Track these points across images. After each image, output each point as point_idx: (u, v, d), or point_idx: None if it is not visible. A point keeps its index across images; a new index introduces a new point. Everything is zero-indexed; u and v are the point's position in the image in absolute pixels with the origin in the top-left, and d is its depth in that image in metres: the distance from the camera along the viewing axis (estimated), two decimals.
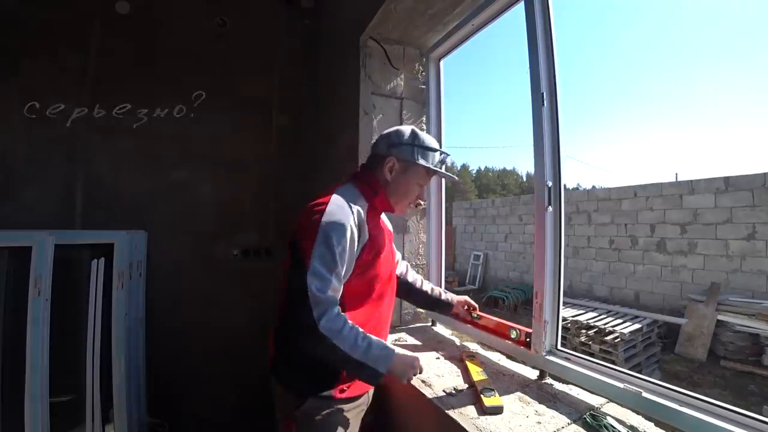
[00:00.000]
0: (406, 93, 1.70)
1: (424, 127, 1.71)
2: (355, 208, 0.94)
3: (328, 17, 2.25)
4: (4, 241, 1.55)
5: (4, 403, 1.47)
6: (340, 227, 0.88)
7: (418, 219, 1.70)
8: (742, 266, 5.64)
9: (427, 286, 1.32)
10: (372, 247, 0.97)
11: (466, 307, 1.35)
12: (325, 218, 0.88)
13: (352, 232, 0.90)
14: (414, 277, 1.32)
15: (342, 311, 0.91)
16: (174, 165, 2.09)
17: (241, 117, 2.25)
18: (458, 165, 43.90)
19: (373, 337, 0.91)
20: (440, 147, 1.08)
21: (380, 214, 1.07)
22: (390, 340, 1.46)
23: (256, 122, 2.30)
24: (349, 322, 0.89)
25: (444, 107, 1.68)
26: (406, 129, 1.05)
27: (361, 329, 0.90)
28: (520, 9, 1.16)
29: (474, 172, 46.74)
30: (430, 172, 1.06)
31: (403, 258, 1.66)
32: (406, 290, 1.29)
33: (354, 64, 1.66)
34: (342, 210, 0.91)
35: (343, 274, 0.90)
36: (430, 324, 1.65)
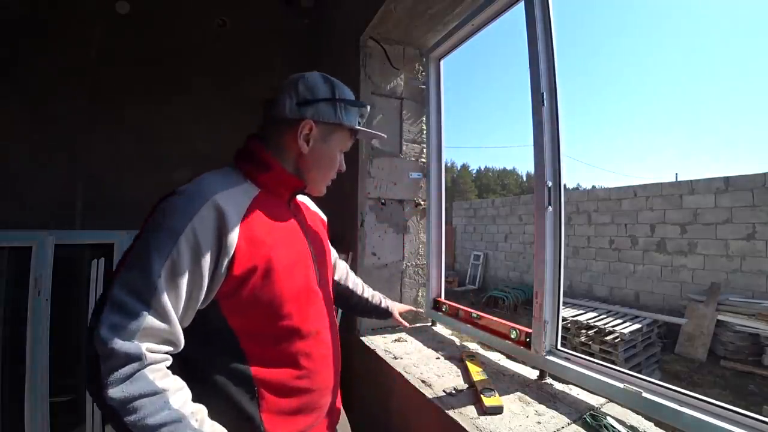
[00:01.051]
0: (406, 93, 1.70)
1: (425, 128, 1.71)
2: (216, 201, 0.61)
3: (328, 17, 2.25)
4: (4, 241, 1.55)
5: (4, 403, 1.47)
6: (167, 231, 0.57)
7: (418, 219, 1.70)
8: (742, 266, 5.64)
9: (368, 293, 1.13)
10: (253, 258, 0.63)
11: (411, 316, 1.23)
12: (154, 217, 0.60)
13: (192, 240, 0.57)
14: (354, 282, 1.11)
15: (245, 364, 0.65)
16: (174, 165, 2.08)
17: (241, 117, 2.25)
18: (458, 165, 43.89)
19: (208, 427, 0.57)
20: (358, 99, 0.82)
21: (286, 197, 0.77)
22: (390, 340, 1.46)
23: (256, 122, 2.27)
24: (169, 382, 0.55)
25: (444, 107, 1.68)
26: (317, 76, 0.75)
27: (189, 403, 0.57)
28: (520, 9, 1.16)
29: (474, 172, 46.76)
30: (353, 134, 0.80)
31: (403, 258, 1.66)
32: (345, 299, 1.09)
33: (354, 64, 1.66)
34: (185, 204, 0.60)
35: (177, 308, 0.57)
36: (430, 324, 1.65)
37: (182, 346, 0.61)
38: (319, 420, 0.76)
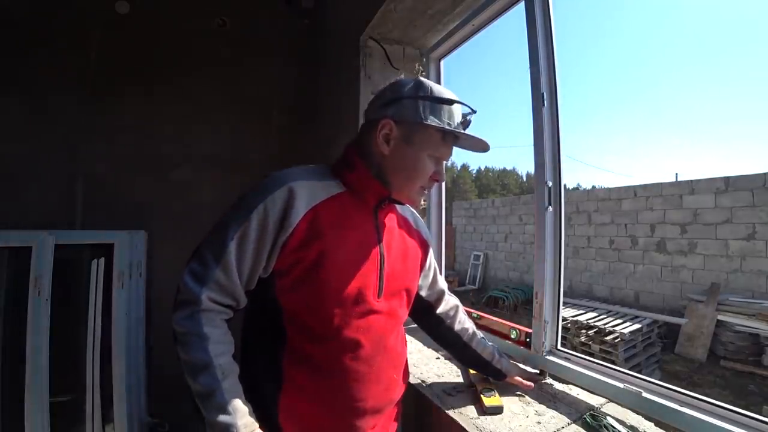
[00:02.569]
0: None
1: None
2: (292, 187, 0.67)
3: (328, 17, 2.24)
4: (4, 241, 1.55)
5: (4, 402, 1.47)
6: (246, 206, 0.67)
7: None
8: (742, 266, 5.64)
9: (477, 343, 0.98)
10: (307, 244, 0.67)
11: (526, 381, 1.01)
12: (243, 194, 0.70)
13: (262, 216, 0.65)
14: (463, 325, 0.98)
15: (281, 346, 0.69)
16: (174, 165, 2.08)
17: (241, 117, 2.25)
18: (458, 165, 43.95)
19: (229, 383, 0.63)
20: (458, 99, 0.73)
21: (371, 203, 0.75)
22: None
23: (256, 122, 2.29)
24: (215, 333, 0.65)
25: None
26: (409, 79, 0.73)
27: (224, 357, 0.64)
28: (520, 9, 1.16)
29: (474, 172, 46.79)
30: (448, 137, 0.73)
31: None
32: (447, 342, 1.00)
33: (354, 64, 1.65)
34: (267, 185, 0.68)
35: (241, 270, 0.66)
36: None
37: (242, 303, 0.71)
38: None
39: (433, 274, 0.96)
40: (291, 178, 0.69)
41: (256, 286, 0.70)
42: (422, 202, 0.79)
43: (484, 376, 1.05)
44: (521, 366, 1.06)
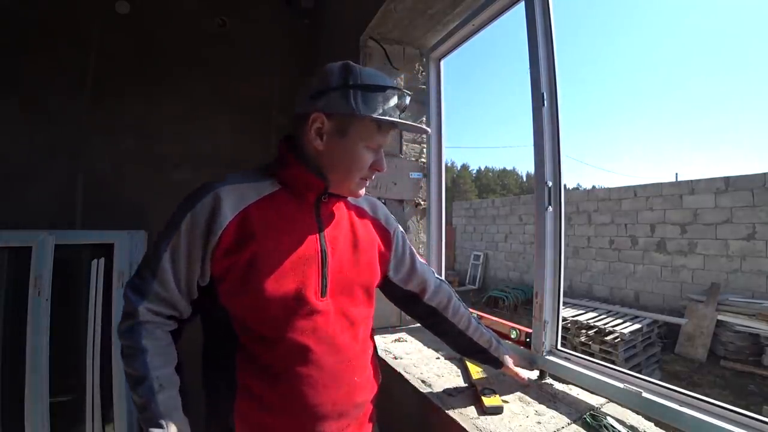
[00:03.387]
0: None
1: None
2: (218, 192, 0.66)
3: (328, 17, 2.24)
4: (4, 241, 1.55)
5: (4, 403, 1.47)
6: (176, 218, 0.67)
7: (418, 219, 1.70)
8: (742, 266, 5.64)
9: (473, 331, 0.95)
10: (238, 246, 0.66)
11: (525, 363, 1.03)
12: (177, 206, 0.70)
13: (189, 225, 0.65)
14: (458, 314, 0.94)
15: (233, 355, 0.68)
16: (174, 165, 2.09)
17: (241, 117, 2.25)
18: (458, 165, 43.94)
19: (165, 396, 0.64)
20: (391, 83, 0.70)
21: (310, 198, 0.72)
22: (390, 340, 1.46)
23: (256, 122, 2.30)
24: (154, 345, 0.66)
25: (444, 107, 1.68)
26: (336, 65, 0.69)
27: (162, 370, 0.65)
28: (520, 9, 1.16)
29: (474, 172, 46.79)
30: (384, 125, 0.69)
31: None
32: (442, 331, 0.97)
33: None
34: (194, 195, 0.68)
35: (178, 280, 0.66)
36: None
37: (186, 314, 0.71)
38: None
39: (410, 262, 0.90)
40: (218, 184, 0.68)
41: (202, 295, 0.70)
42: (362, 192, 0.76)
43: (485, 377, 1.05)
44: (519, 360, 1.05)
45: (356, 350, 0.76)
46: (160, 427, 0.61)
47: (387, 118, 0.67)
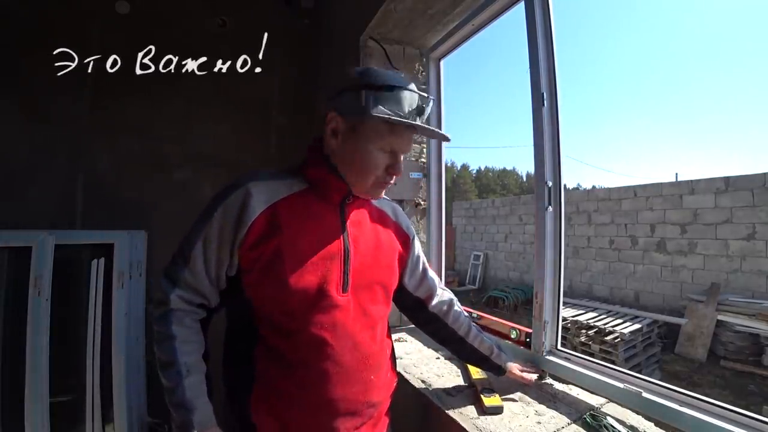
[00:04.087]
0: None
1: None
2: (248, 188, 0.69)
3: (328, 17, 2.25)
4: (4, 241, 1.55)
5: (4, 403, 1.47)
6: (209, 210, 0.70)
7: (418, 219, 1.70)
8: (742, 266, 5.64)
9: (474, 338, 0.95)
10: (265, 239, 0.68)
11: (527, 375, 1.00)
12: (210, 199, 0.73)
13: (221, 217, 0.68)
14: (458, 320, 0.95)
15: (255, 336, 0.71)
16: (174, 165, 2.09)
17: (241, 117, 2.25)
18: (458, 165, 43.94)
19: (191, 381, 0.67)
20: (406, 84, 0.69)
21: (335, 199, 0.74)
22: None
23: (256, 122, 2.30)
24: (183, 332, 0.69)
25: (444, 107, 1.68)
26: (357, 68, 0.71)
27: (190, 356, 0.69)
28: (520, 9, 1.16)
29: (474, 172, 46.77)
30: (398, 128, 0.68)
31: None
32: (442, 338, 0.97)
33: (354, 64, 1.65)
34: (227, 189, 0.71)
35: (208, 270, 0.70)
36: None
37: (215, 303, 0.74)
38: None
39: (422, 269, 0.93)
40: (250, 179, 0.71)
41: (229, 286, 0.73)
42: (382, 195, 0.76)
43: (485, 377, 1.05)
44: (523, 365, 1.04)
45: (374, 349, 0.76)
46: (186, 409, 0.65)
47: (397, 118, 0.66)
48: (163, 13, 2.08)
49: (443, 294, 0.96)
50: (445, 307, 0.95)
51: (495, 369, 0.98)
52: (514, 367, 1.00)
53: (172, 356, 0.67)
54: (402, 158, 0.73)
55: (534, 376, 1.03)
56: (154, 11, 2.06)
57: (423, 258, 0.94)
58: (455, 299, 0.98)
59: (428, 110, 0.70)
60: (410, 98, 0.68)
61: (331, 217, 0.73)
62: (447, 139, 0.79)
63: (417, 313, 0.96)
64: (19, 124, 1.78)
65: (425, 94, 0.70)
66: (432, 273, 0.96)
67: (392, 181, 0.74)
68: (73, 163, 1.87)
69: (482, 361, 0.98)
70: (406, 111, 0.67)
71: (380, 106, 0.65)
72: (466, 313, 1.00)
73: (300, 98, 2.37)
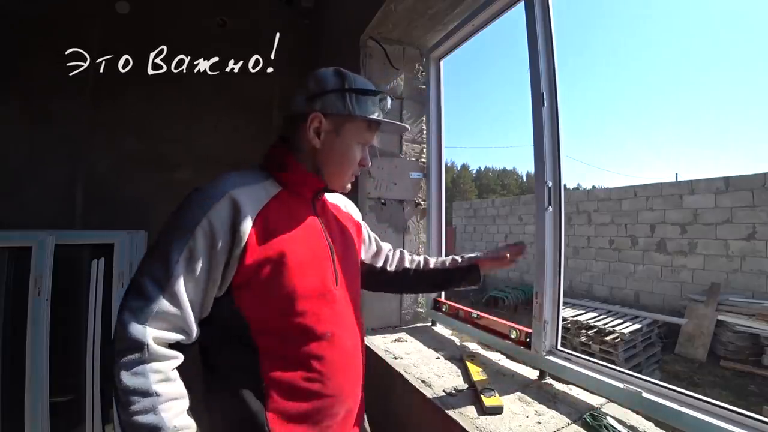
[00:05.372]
0: (406, 93, 1.70)
1: (425, 128, 1.71)
2: (232, 195, 0.64)
3: (328, 17, 2.25)
4: (4, 241, 1.55)
5: (4, 403, 1.47)
6: (186, 223, 0.62)
7: (418, 219, 1.70)
8: (742, 266, 5.64)
9: (435, 261, 1.02)
10: (265, 250, 0.65)
11: (507, 254, 0.99)
12: (177, 211, 0.65)
13: (208, 230, 0.61)
14: (412, 259, 1.02)
15: (255, 358, 0.66)
16: (174, 165, 2.09)
17: (241, 117, 2.26)
18: (458, 165, 43.93)
19: None
20: (377, 89, 0.78)
21: (309, 196, 0.77)
22: (389, 340, 1.46)
23: (256, 122, 2.30)
24: (168, 388, 0.58)
25: (444, 107, 1.68)
26: (328, 70, 0.75)
27: (179, 419, 0.58)
28: (520, 9, 1.16)
29: (474, 172, 46.77)
30: (373, 125, 0.77)
31: None
32: (408, 282, 1.01)
33: (354, 64, 1.65)
34: (203, 198, 0.64)
35: (193, 294, 0.61)
36: (430, 324, 1.65)
37: (194, 336, 0.64)
38: (331, 430, 0.73)
39: (375, 244, 1.01)
40: (227, 185, 0.66)
41: (213, 309, 0.66)
42: (349, 187, 0.83)
43: (485, 377, 1.05)
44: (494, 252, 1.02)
45: (361, 333, 0.83)
46: None
47: (376, 118, 0.76)
48: (163, 13, 2.08)
49: (392, 249, 1.04)
50: (397, 256, 1.02)
51: (469, 272, 0.99)
52: (489, 256, 1.01)
53: (159, 422, 0.55)
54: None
55: (509, 252, 0.98)
56: (154, 11, 2.06)
57: (372, 233, 1.03)
58: (403, 249, 1.06)
59: (389, 106, 0.79)
60: (380, 99, 0.77)
61: (310, 217, 0.77)
62: (405, 129, 0.86)
63: (381, 279, 1.01)
64: (19, 124, 1.78)
65: (389, 95, 0.80)
66: (380, 241, 1.03)
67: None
68: (73, 163, 1.87)
69: (453, 275, 1.00)
70: (380, 109, 0.77)
71: (361, 107, 0.73)
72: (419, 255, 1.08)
73: None
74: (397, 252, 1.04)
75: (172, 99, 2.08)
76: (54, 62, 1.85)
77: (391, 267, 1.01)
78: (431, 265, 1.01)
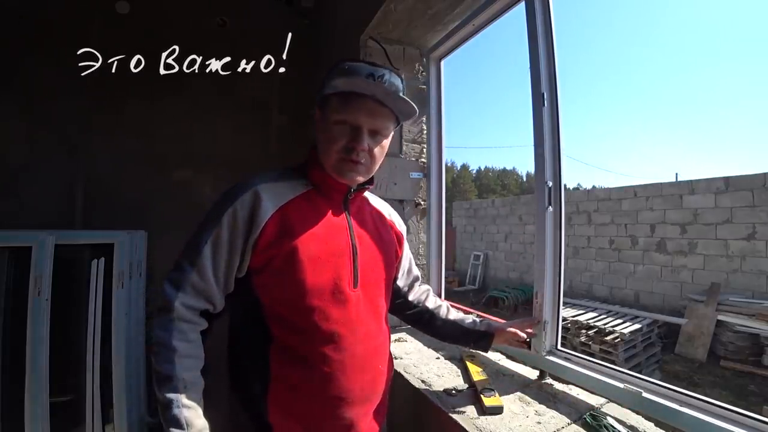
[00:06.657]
0: (406, 93, 1.70)
1: (425, 128, 1.71)
2: (257, 190, 0.71)
3: (328, 17, 2.25)
4: (4, 241, 1.55)
5: (4, 403, 1.47)
6: (217, 212, 0.71)
7: (418, 219, 1.70)
8: (742, 266, 5.64)
9: (455, 315, 1.01)
10: (279, 240, 0.70)
11: (517, 337, 1.01)
12: (214, 202, 0.74)
13: (231, 218, 0.69)
14: (436, 303, 1.02)
15: (266, 348, 0.71)
16: (174, 165, 2.09)
17: (241, 117, 2.26)
18: (458, 165, 43.91)
19: (189, 398, 0.65)
20: (363, 66, 0.72)
21: (337, 198, 0.78)
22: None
23: (256, 122, 2.30)
24: (184, 346, 0.67)
25: (444, 107, 1.68)
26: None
27: (189, 372, 0.66)
28: (520, 9, 1.16)
29: (474, 172, 46.75)
30: (350, 101, 0.70)
31: None
32: (425, 323, 1.00)
33: None
34: (235, 191, 0.72)
35: (217, 272, 0.70)
36: None
37: (219, 307, 0.73)
38: None
39: (409, 264, 1.00)
40: (256, 182, 0.73)
41: (237, 287, 0.73)
42: (356, 178, 0.76)
43: (485, 377, 1.05)
44: (513, 330, 1.02)
45: (381, 339, 0.81)
46: (181, 428, 0.63)
47: (341, 89, 0.70)
48: (163, 13, 2.08)
49: (423, 284, 1.04)
50: (424, 296, 1.01)
51: (482, 337, 0.98)
52: (504, 327, 1.00)
53: (170, 371, 0.64)
54: (365, 133, 0.73)
55: (525, 333, 1.01)
56: (154, 11, 2.06)
57: (410, 254, 1.01)
58: (431, 289, 1.06)
59: (386, 78, 0.72)
60: (361, 69, 0.71)
61: (337, 216, 0.78)
62: (414, 111, 0.77)
63: (400, 303, 0.99)
64: (19, 124, 1.78)
65: (378, 64, 0.74)
66: (416, 267, 1.03)
67: (360, 159, 0.73)
68: (73, 163, 1.87)
69: (467, 335, 0.99)
70: (360, 82, 0.70)
71: (332, 84, 0.71)
72: (442, 300, 1.07)
73: (300, 98, 2.37)
74: (424, 286, 1.04)
75: (172, 99, 2.07)
76: (54, 62, 1.85)
77: (412, 297, 1.00)
78: (450, 317, 1.00)
